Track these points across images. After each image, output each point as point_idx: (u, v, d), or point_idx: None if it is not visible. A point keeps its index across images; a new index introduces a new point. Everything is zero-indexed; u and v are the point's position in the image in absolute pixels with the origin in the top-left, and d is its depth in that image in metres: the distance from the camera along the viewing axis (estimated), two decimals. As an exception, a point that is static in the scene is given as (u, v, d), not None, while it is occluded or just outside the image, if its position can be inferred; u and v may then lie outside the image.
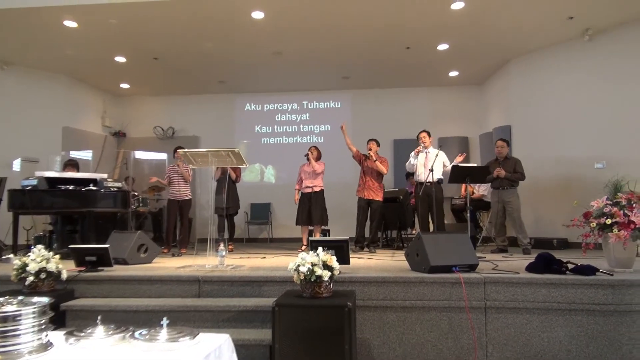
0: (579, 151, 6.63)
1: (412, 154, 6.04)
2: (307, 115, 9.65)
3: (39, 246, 3.57)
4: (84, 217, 5.69)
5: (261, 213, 9.16)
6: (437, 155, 5.83)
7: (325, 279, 2.88)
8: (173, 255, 5.77)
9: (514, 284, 3.39)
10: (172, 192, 6.20)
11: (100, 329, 1.55)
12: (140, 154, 9.15)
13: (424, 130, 6.12)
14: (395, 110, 9.22)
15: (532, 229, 6.41)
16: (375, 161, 6.10)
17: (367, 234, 6.29)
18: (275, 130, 9.65)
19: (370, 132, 7.31)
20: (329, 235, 6.89)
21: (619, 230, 3.54)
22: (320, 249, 3.00)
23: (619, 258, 3.67)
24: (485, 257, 4.75)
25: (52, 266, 3.42)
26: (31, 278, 3.35)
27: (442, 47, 7.07)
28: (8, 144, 7.46)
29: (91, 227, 5.45)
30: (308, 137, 9.52)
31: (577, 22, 6.17)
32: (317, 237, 6.08)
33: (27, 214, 5.75)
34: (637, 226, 3.53)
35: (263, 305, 3.33)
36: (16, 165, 7.58)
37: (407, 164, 6.18)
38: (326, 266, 2.90)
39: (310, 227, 6.34)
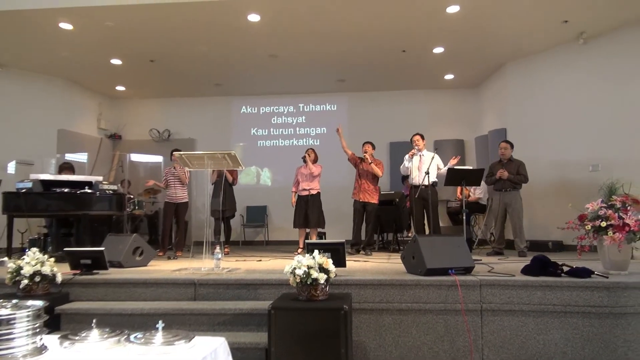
0: (574, 154, 6.66)
1: (406, 156, 6.06)
2: (303, 117, 9.65)
3: (34, 249, 3.55)
4: (79, 220, 5.66)
5: (257, 216, 9.15)
6: (432, 158, 5.85)
7: (322, 281, 2.88)
8: (169, 258, 5.74)
9: (509, 287, 3.40)
10: (169, 194, 6.17)
11: (95, 333, 1.54)
12: (136, 157, 9.15)
13: (417, 134, 6.14)
14: (391, 113, 9.24)
15: (527, 231, 6.41)
16: (370, 163, 6.10)
17: (363, 237, 6.29)
18: (272, 133, 9.65)
19: (366, 134, 7.33)
20: (325, 238, 6.89)
21: (613, 233, 3.56)
22: (316, 251, 3.00)
23: (614, 260, 3.69)
24: (481, 260, 4.76)
25: (46, 269, 3.40)
26: (26, 281, 3.33)
27: (438, 50, 7.10)
28: (3, 146, 7.42)
29: (86, 230, 5.44)
30: (304, 139, 9.52)
31: (572, 25, 6.21)
32: (314, 239, 6.08)
33: (22, 216, 5.73)
34: (632, 229, 3.55)
35: (259, 308, 3.32)
36: (11, 167, 7.54)
37: (401, 167, 6.19)
38: (322, 269, 2.90)
39: (307, 230, 6.33)
